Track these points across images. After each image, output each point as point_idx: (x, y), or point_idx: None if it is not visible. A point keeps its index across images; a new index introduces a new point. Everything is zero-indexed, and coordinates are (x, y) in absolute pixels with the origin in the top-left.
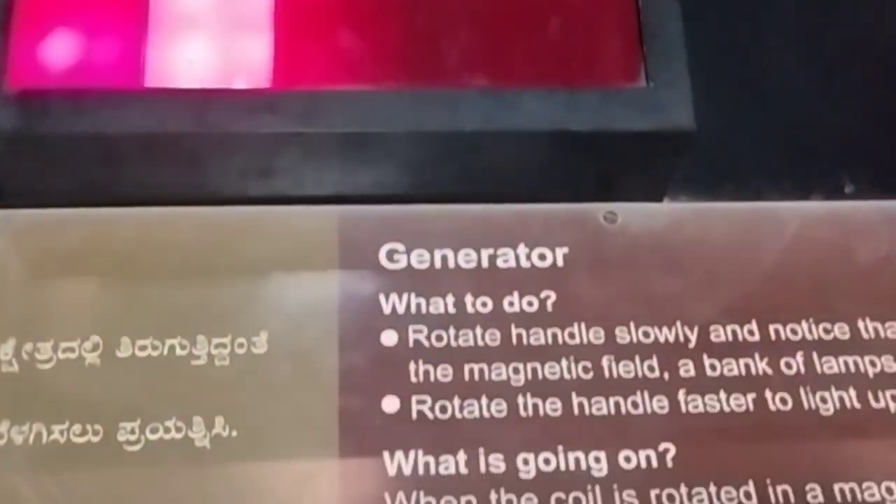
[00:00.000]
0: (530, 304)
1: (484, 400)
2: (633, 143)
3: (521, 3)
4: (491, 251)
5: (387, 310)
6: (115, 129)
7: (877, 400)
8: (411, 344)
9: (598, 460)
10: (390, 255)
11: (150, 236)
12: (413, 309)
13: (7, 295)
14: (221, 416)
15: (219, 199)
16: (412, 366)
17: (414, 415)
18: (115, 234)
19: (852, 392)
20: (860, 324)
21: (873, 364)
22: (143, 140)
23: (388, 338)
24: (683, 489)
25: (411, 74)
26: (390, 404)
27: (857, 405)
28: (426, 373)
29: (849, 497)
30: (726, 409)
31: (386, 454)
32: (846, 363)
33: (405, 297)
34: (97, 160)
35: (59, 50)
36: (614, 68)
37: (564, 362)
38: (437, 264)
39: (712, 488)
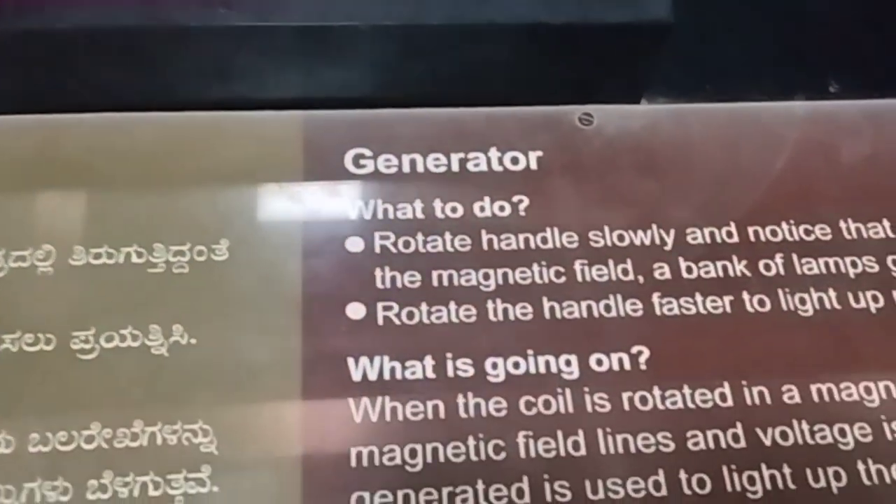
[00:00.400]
0: (502, 208)
1: (452, 305)
2: (609, 37)
3: None
4: (461, 155)
5: (353, 216)
6: (61, 24)
7: (857, 300)
8: (377, 250)
9: (568, 364)
10: (356, 161)
11: (105, 143)
12: (380, 215)
13: None
14: (180, 325)
15: (177, 104)
16: (378, 272)
17: (380, 321)
18: (69, 142)
19: (832, 293)
20: (842, 224)
21: (854, 265)
22: (92, 36)
23: (354, 244)
24: (657, 391)
25: None
26: (355, 311)
27: (838, 306)
28: (393, 279)
29: (826, 397)
30: (702, 311)
31: (350, 360)
32: (827, 264)
33: (372, 203)
34: (45, 60)
35: None
36: None
37: (536, 267)
38: (406, 169)
39: (686, 390)
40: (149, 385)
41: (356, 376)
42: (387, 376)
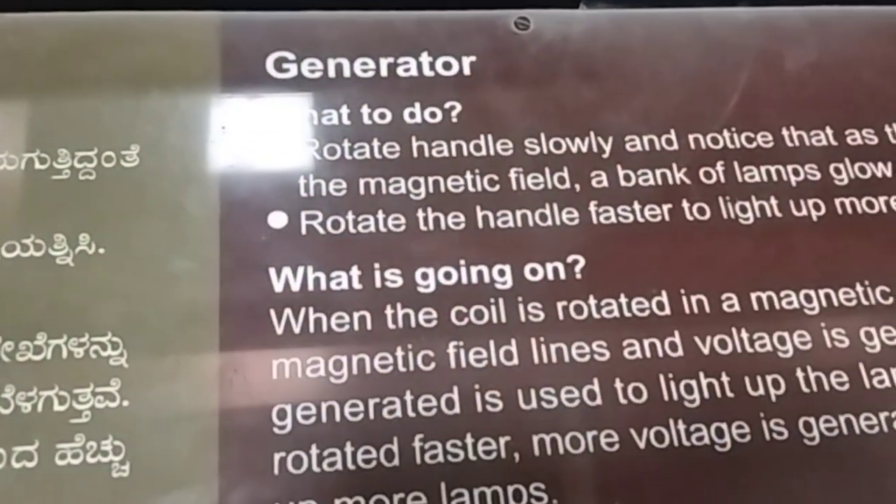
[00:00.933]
0: (433, 115)
1: (380, 214)
2: None
3: None
4: (391, 60)
5: (275, 123)
6: None
7: (798, 209)
8: (302, 158)
9: (502, 273)
10: (278, 65)
11: (5, 43)
12: (304, 121)
13: None
14: (86, 233)
15: (85, 4)
16: (302, 180)
17: (303, 230)
18: None
19: (773, 201)
20: (784, 132)
21: (796, 173)
22: None
23: (276, 152)
24: (592, 301)
25: None
26: (277, 220)
27: (779, 214)
28: (317, 187)
29: (766, 305)
30: (640, 219)
31: (272, 270)
32: (769, 172)
33: (293, 109)
34: None
35: None
36: None
37: (469, 175)
38: (332, 73)
39: (623, 299)
40: (53, 296)
41: (278, 287)
42: (311, 287)
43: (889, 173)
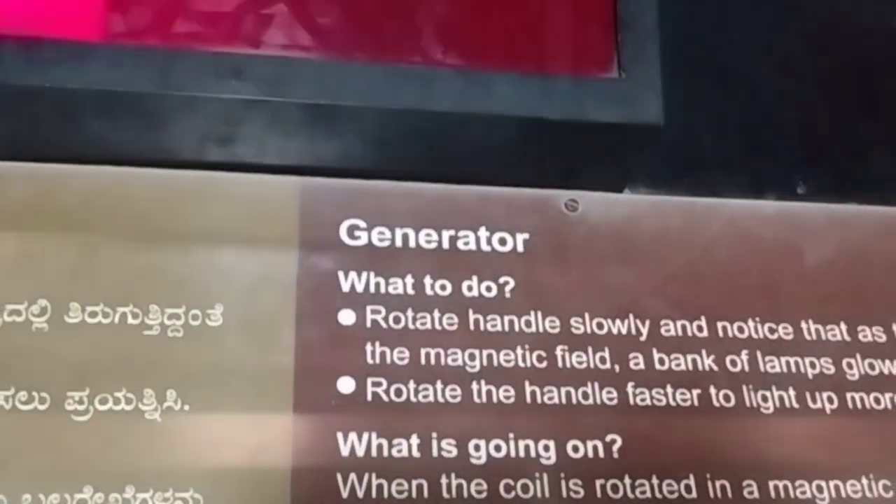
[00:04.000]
0: (489, 289)
1: (439, 385)
2: (602, 133)
3: None
4: (452, 232)
5: (345, 287)
6: (72, 84)
7: (814, 401)
8: (369, 324)
9: (547, 449)
10: (351, 231)
11: (102, 196)
12: (372, 288)
13: None
14: (173, 390)
15: (176, 162)
16: (369, 347)
17: (369, 396)
18: (66, 192)
19: (792, 392)
20: (803, 325)
21: (813, 366)
22: (101, 98)
23: (346, 317)
24: (627, 480)
25: (384, 48)
26: (346, 385)
27: (796, 405)
28: (382, 354)
29: (782, 494)
30: (672, 403)
31: (339, 435)
32: (788, 363)
33: (364, 275)
34: (50, 114)
35: None
36: (587, 56)
37: (520, 350)
38: (398, 243)
39: (654, 480)
40: (141, 450)
41: (345, 451)
42: (374, 453)
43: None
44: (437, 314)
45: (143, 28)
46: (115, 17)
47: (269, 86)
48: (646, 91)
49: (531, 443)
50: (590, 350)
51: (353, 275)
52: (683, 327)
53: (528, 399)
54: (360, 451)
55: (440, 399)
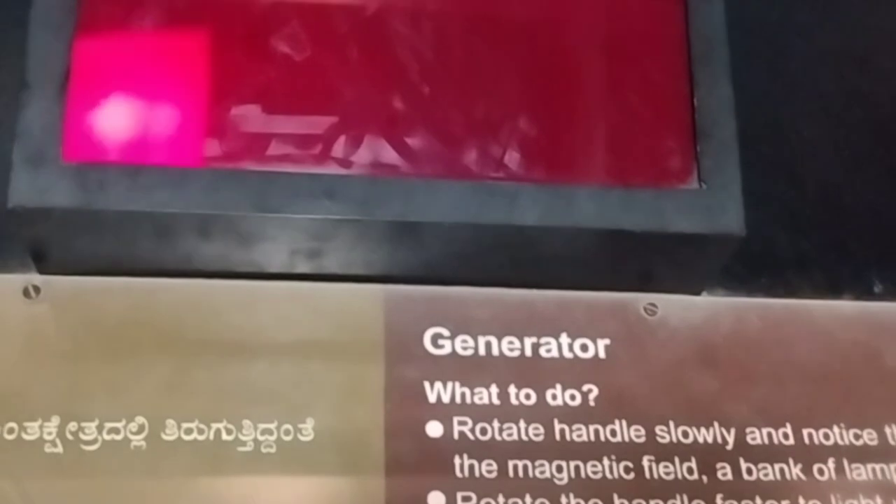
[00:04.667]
0: (573, 397)
1: (528, 498)
2: (683, 243)
3: (578, 99)
4: (534, 339)
5: (432, 398)
6: (171, 207)
7: None
8: (456, 436)
9: None
10: (435, 340)
11: (194, 310)
12: (458, 398)
13: (50, 367)
14: None
15: (264, 274)
16: (457, 460)
17: None
18: (159, 306)
19: (879, 500)
20: (887, 430)
21: None
22: (199, 219)
23: (434, 429)
24: None
25: (469, 165)
26: (436, 499)
27: None
28: (471, 467)
29: None
30: None
31: None
32: (874, 470)
33: (450, 385)
34: (149, 235)
35: (116, 123)
36: (667, 167)
37: (606, 461)
38: (482, 351)
39: None
40: None
41: None
42: None
43: None
44: (522, 424)
45: (238, 151)
46: (212, 142)
47: (360, 205)
48: (727, 201)
49: None
50: (676, 460)
51: (438, 385)
52: (769, 435)
53: None
54: None
55: None
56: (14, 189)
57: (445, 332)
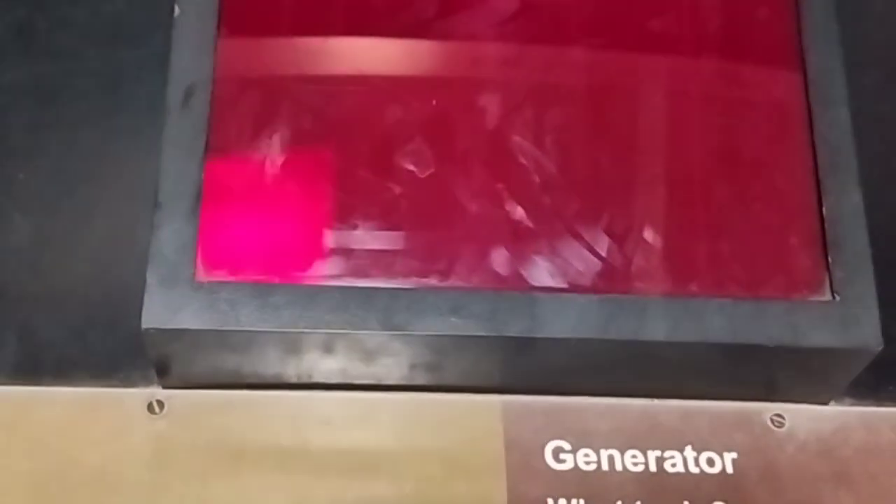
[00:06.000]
0: None
1: None
2: (815, 356)
3: (703, 210)
4: (658, 453)
5: None
6: (300, 327)
7: None
8: None
9: None
10: (556, 454)
11: (315, 422)
12: None
13: (176, 486)
14: None
15: (381, 386)
16: None
17: None
18: (282, 420)
19: None
20: None
21: None
22: (325, 338)
23: None
24: None
25: (596, 279)
26: None
27: None
28: None
29: None
30: None
31: None
32: None
33: (574, 503)
34: (275, 352)
35: (246, 241)
36: (799, 279)
37: None
38: (605, 466)
39: None
40: None
41: None
42: None
43: None
44: None
45: (364, 268)
46: (338, 259)
47: (485, 321)
48: (862, 314)
49: None
50: None
51: (562, 503)
52: None
53: None
54: None
55: None
56: (148, 310)
57: (567, 446)
